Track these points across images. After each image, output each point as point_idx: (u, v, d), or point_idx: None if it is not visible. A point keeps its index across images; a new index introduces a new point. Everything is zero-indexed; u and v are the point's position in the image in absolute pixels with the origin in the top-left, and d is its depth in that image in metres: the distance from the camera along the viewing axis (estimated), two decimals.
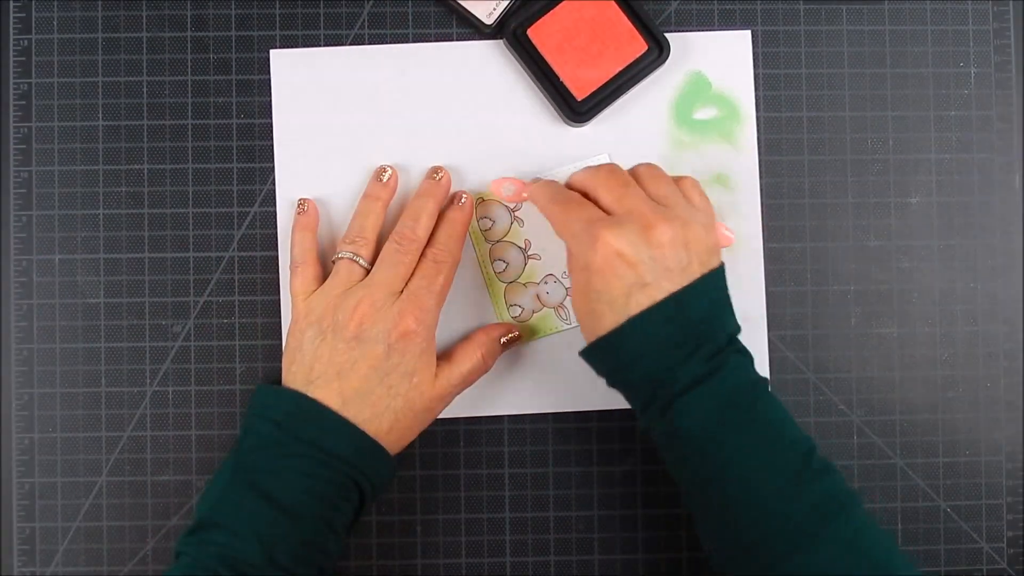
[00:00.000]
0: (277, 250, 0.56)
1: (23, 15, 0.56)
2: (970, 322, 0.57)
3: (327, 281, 0.52)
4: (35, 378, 0.56)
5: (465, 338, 0.53)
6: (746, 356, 0.47)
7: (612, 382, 0.48)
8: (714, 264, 0.47)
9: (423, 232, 0.52)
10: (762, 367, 0.56)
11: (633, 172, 0.50)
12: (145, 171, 0.56)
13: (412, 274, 0.51)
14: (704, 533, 0.47)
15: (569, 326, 0.56)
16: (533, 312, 0.56)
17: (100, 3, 0.56)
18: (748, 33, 0.57)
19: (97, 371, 0.56)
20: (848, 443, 0.56)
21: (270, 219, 0.56)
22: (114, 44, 0.56)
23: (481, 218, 0.56)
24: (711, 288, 0.47)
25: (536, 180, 0.53)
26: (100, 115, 0.56)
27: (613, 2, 0.55)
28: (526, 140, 0.56)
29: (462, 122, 0.56)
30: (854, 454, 0.56)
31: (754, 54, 0.57)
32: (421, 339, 0.49)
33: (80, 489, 0.55)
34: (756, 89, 0.57)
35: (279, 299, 0.56)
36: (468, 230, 0.54)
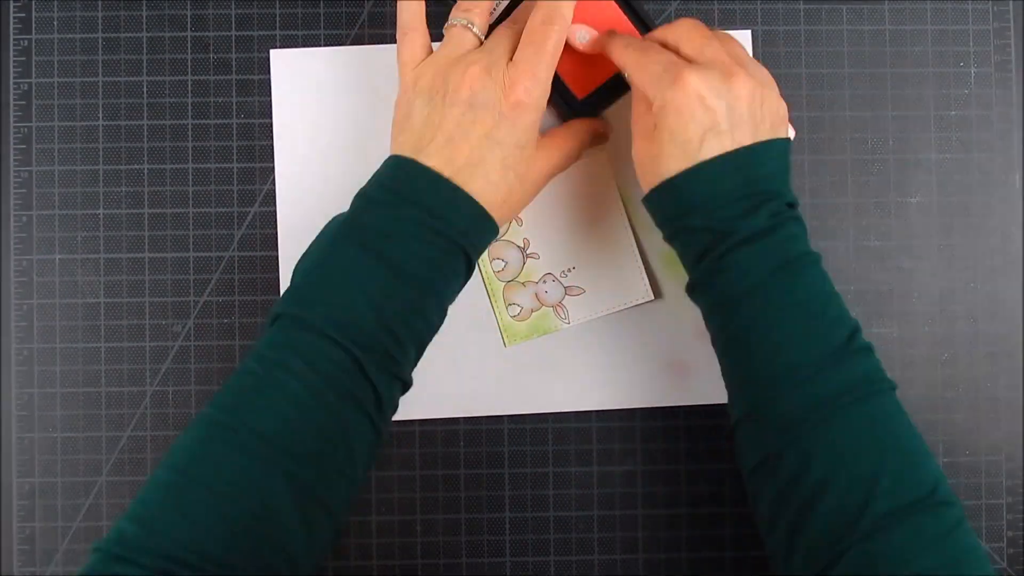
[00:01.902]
0: (277, 250, 0.56)
1: (23, 15, 0.56)
2: (970, 322, 0.57)
3: (439, 49, 0.49)
4: (35, 378, 0.56)
5: (560, 126, 0.52)
6: (803, 226, 0.46)
7: (671, 230, 0.47)
8: (783, 133, 0.47)
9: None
10: None
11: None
12: (145, 171, 0.56)
13: (521, 40, 0.48)
14: (733, 396, 0.47)
15: (568, 325, 0.56)
16: (532, 311, 0.56)
17: (100, 3, 0.56)
18: (748, 33, 0.57)
19: (97, 371, 0.56)
20: None
21: (270, 219, 0.56)
22: (114, 44, 0.56)
23: None
24: (780, 152, 0.47)
25: (611, 32, 0.51)
26: (100, 115, 0.56)
27: (613, 2, 0.55)
28: None
29: None
30: None
31: (754, 54, 0.57)
32: (531, 111, 0.48)
33: (80, 489, 0.55)
34: None
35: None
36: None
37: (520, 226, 0.56)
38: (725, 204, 0.45)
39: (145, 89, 0.56)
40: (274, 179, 0.56)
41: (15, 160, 0.56)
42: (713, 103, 0.45)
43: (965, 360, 0.57)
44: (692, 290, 0.48)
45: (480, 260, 0.55)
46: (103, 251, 0.56)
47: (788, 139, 0.47)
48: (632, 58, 0.48)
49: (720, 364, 0.48)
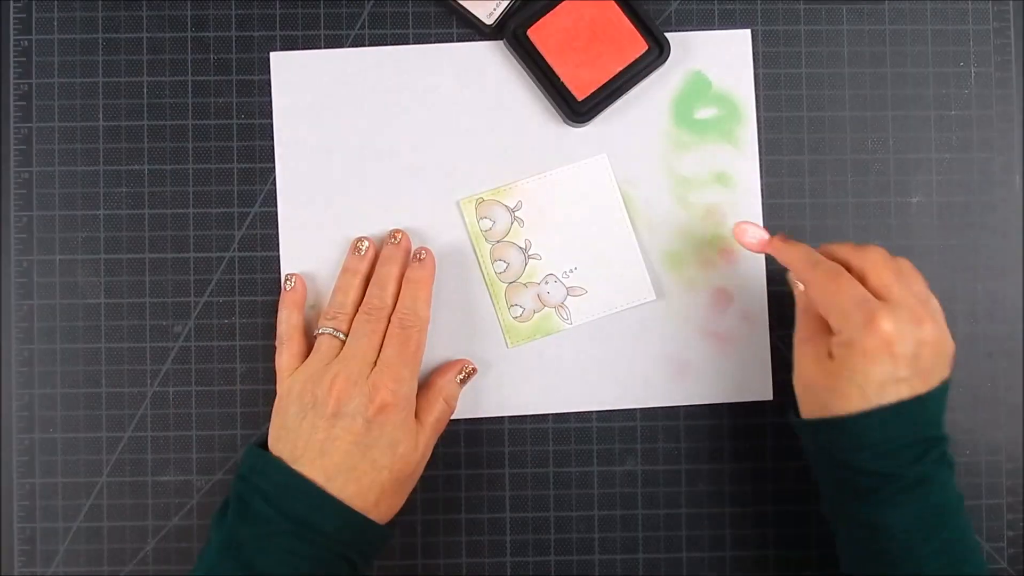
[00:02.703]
0: (277, 250, 0.56)
1: (23, 15, 0.56)
2: (970, 322, 0.57)
3: (309, 357, 0.52)
4: (36, 379, 0.56)
5: (423, 385, 0.53)
6: (954, 468, 0.48)
7: (830, 463, 0.48)
8: (948, 373, 0.48)
9: (390, 299, 0.52)
10: (763, 366, 0.56)
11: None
12: (145, 171, 0.56)
13: (383, 343, 0.51)
14: None
15: (570, 326, 0.56)
16: (534, 312, 0.56)
17: (100, 3, 0.56)
18: (748, 33, 0.57)
19: (98, 371, 0.56)
20: None
21: (270, 219, 0.56)
22: (114, 44, 0.56)
23: (481, 218, 0.56)
24: (944, 395, 0.47)
25: (784, 238, 0.51)
26: (100, 115, 0.56)
27: (613, 2, 0.55)
28: (526, 140, 0.56)
29: (462, 123, 0.56)
30: None
31: (754, 54, 0.57)
32: (399, 409, 0.50)
33: (81, 489, 0.55)
34: (756, 89, 0.57)
35: (279, 299, 0.56)
36: (432, 286, 0.54)
37: (522, 227, 0.56)
38: (897, 450, 0.46)
39: (145, 90, 0.56)
40: (274, 179, 0.56)
41: (15, 161, 0.56)
42: (900, 350, 0.45)
43: (965, 360, 0.57)
44: (836, 524, 0.49)
45: (482, 262, 0.56)
46: (103, 252, 0.56)
47: (950, 378, 0.48)
48: (819, 282, 0.48)
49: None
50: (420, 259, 0.54)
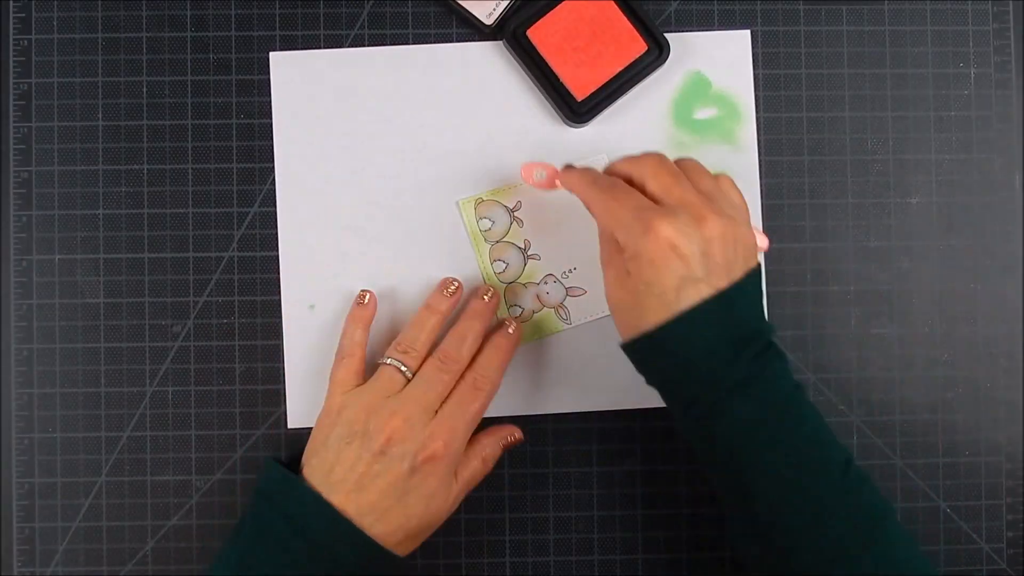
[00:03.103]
0: (277, 250, 0.56)
1: (23, 15, 0.56)
2: (970, 322, 0.57)
3: (368, 382, 0.51)
4: (35, 378, 0.56)
5: (468, 441, 0.52)
6: (785, 359, 0.46)
7: (653, 379, 0.47)
8: (753, 264, 0.47)
9: (467, 353, 0.52)
10: None
11: (677, 163, 0.49)
12: (145, 171, 0.56)
13: (450, 394, 0.51)
14: (737, 538, 0.47)
15: (569, 326, 0.56)
16: (533, 312, 0.56)
17: (100, 3, 0.56)
18: (748, 33, 0.57)
19: (97, 371, 0.56)
20: (848, 443, 0.56)
21: (270, 219, 0.56)
22: (114, 44, 0.56)
23: (481, 219, 0.56)
24: (754, 286, 0.46)
25: (568, 166, 0.51)
26: (100, 115, 0.56)
27: (613, 2, 0.55)
28: (526, 140, 0.56)
29: (462, 123, 0.56)
30: (854, 454, 0.56)
31: (754, 54, 0.57)
32: (445, 465, 0.49)
33: (80, 489, 0.55)
34: (756, 89, 0.57)
35: (279, 299, 0.56)
36: (512, 357, 0.53)
37: (521, 227, 0.56)
38: (709, 354, 0.44)
39: (145, 89, 0.56)
40: (274, 179, 0.56)
41: (15, 160, 0.56)
42: (686, 250, 0.44)
43: (965, 360, 0.57)
44: (683, 431, 0.48)
45: (482, 262, 0.55)
46: (103, 251, 0.56)
47: (758, 268, 0.47)
48: (598, 199, 0.47)
49: (720, 503, 0.48)
50: (510, 330, 0.53)
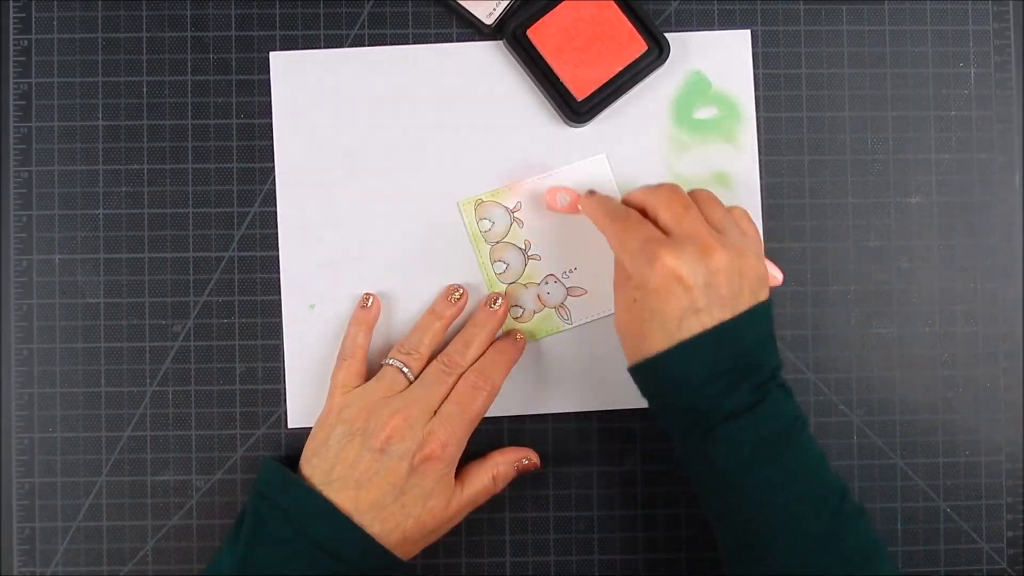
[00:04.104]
0: (277, 250, 0.56)
1: (23, 15, 0.56)
2: (970, 322, 0.57)
3: (370, 382, 0.52)
4: (35, 378, 0.56)
5: (481, 457, 0.53)
6: (787, 391, 0.47)
7: (654, 404, 0.48)
8: (763, 296, 0.47)
9: (471, 359, 0.53)
10: None
11: (690, 195, 0.50)
12: (145, 171, 0.56)
13: (450, 394, 0.51)
14: (730, 566, 0.47)
15: (570, 326, 0.56)
16: (534, 313, 0.56)
17: (100, 3, 0.56)
18: (748, 33, 0.57)
19: (97, 371, 0.56)
20: (848, 443, 0.56)
21: (270, 219, 0.56)
22: (114, 44, 0.56)
23: (481, 219, 0.56)
24: (760, 320, 0.47)
25: (590, 193, 0.53)
26: (100, 115, 0.56)
27: (613, 2, 0.55)
28: (526, 140, 0.56)
29: (462, 123, 0.56)
30: (854, 454, 0.56)
31: (754, 54, 0.57)
32: (443, 464, 0.50)
33: (80, 489, 0.55)
34: (756, 89, 0.57)
35: (279, 299, 0.56)
36: (515, 363, 0.54)
37: (521, 228, 0.56)
38: (707, 382, 0.45)
39: (145, 89, 0.56)
40: (274, 179, 0.56)
41: (15, 160, 0.56)
42: (690, 281, 0.45)
43: (965, 360, 0.57)
44: (680, 463, 0.48)
45: (482, 263, 0.56)
46: (103, 251, 0.56)
47: (768, 301, 0.47)
48: (611, 228, 0.49)
49: (714, 531, 0.48)
50: (516, 339, 0.54)
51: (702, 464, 0.46)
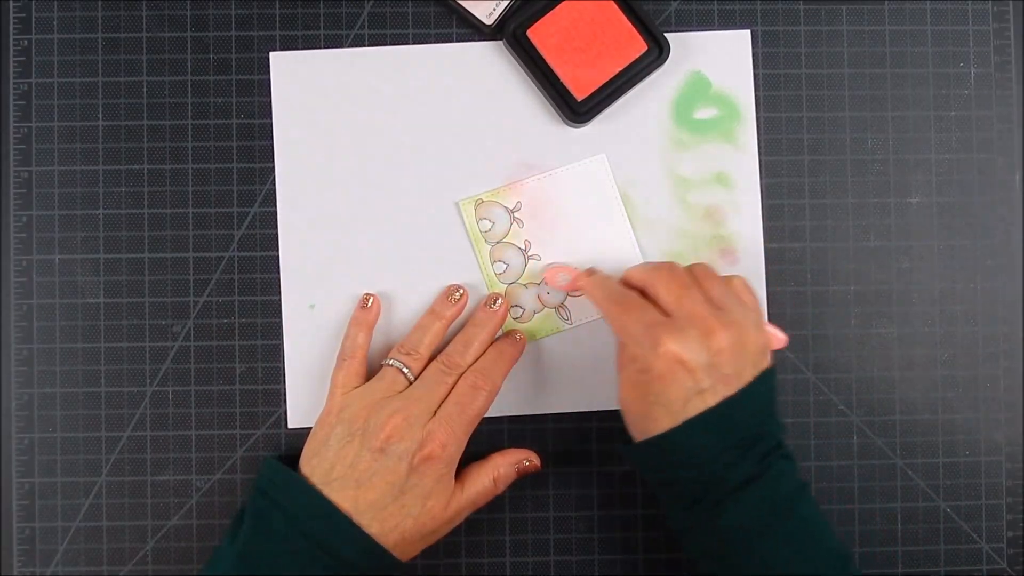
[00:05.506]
0: (277, 250, 0.56)
1: (23, 15, 0.56)
2: (970, 322, 0.57)
3: (370, 382, 0.52)
4: (35, 378, 0.56)
5: (481, 459, 0.53)
6: (791, 461, 0.47)
7: (657, 479, 0.48)
8: (764, 365, 0.48)
9: (471, 359, 0.53)
10: None
11: (689, 270, 0.50)
12: (145, 171, 0.56)
13: (449, 394, 0.51)
14: None
15: (570, 326, 0.56)
16: (534, 313, 0.56)
17: (100, 3, 0.56)
18: (748, 33, 0.57)
19: (97, 371, 0.56)
20: (848, 443, 0.56)
21: (270, 219, 0.56)
22: (114, 44, 0.56)
23: (481, 219, 0.56)
24: (763, 391, 0.47)
25: (591, 271, 0.54)
26: (100, 115, 0.56)
27: (613, 2, 0.55)
28: (526, 140, 0.56)
29: (462, 123, 0.56)
30: (854, 454, 0.56)
31: (754, 54, 0.57)
32: (442, 464, 0.50)
33: (80, 489, 0.55)
34: (756, 89, 0.57)
35: (279, 299, 0.56)
36: (514, 364, 0.54)
37: (521, 228, 0.56)
38: (713, 457, 0.45)
39: (145, 89, 0.56)
40: (274, 179, 0.56)
41: (15, 160, 0.56)
42: (693, 365, 0.45)
43: (965, 360, 0.57)
44: (682, 535, 0.48)
45: (482, 263, 0.56)
46: (103, 251, 0.56)
47: (771, 369, 0.48)
48: (613, 314, 0.49)
49: None
50: (516, 339, 0.55)
51: (710, 535, 0.46)
